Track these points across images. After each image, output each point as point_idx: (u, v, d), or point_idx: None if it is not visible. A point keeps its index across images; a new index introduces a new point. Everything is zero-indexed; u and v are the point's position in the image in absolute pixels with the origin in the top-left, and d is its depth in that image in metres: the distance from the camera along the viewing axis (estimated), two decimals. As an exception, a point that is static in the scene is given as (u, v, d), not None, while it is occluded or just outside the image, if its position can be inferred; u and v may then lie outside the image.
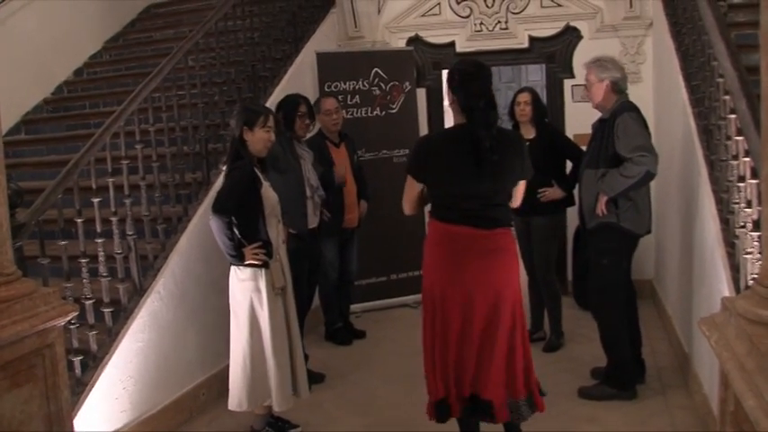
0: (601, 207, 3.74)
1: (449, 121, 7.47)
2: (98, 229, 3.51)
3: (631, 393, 3.87)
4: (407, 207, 3.17)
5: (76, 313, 2.79)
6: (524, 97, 4.66)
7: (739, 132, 2.90)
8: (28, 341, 2.48)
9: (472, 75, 2.97)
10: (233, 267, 3.49)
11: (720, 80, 3.25)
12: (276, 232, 3.50)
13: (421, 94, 6.25)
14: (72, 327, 3.20)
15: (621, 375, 3.87)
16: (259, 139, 3.43)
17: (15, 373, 2.45)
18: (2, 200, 2.52)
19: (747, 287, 2.64)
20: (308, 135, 4.72)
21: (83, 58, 6.56)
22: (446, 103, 6.77)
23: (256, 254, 3.39)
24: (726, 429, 1.98)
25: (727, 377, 1.88)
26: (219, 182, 4.28)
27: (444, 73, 6.58)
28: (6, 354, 2.40)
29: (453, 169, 2.95)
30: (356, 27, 6.21)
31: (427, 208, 3.22)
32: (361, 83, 5.83)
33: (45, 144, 5.54)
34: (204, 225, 4.14)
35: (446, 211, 3.02)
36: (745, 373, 1.64)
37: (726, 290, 2.96)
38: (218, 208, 3.39)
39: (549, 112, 5.16)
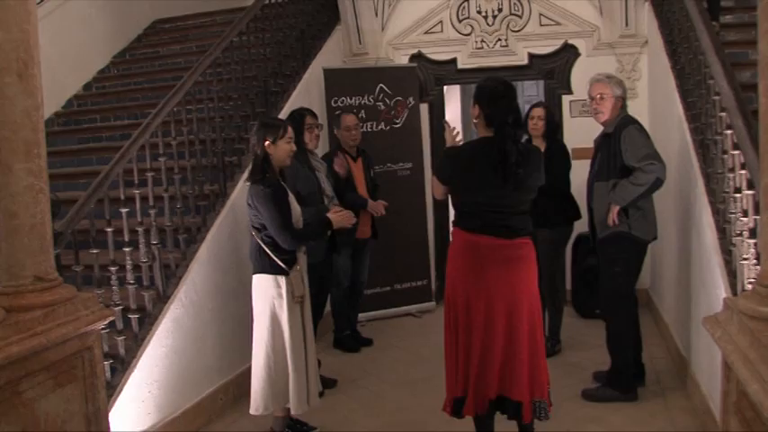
0: (612, 217, 3.87)
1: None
2: (126, 239, 3.64)
3: (633, 395, 4.02)
4: (438, 196, 3.40)
5: (114, 317, 2.93)
6: (538, 112, 4.78)
7: (735, 147, 3.06)
8: (70, 343, 2.61)
9: (501, 93, 3.13)
10: (255, 276, 3.62)
11: (717, 98, 3.41)
12: (298, 242, 3.64)
13: (424, 108, 6.42)
14: (103, 332, 3.31)
15: (624, 378, 4.03)
16: (282, 150, 3.57)
17: (59, 374, 2.58)
18: (46, 210, 2.67)
19: (744, 290, 2.83)
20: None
21: (91, 73, 6.68)
22: (448, 116, 7.00)
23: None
24: (728, 418, 2.16)
25: (729, 370, 2.07)
26: (236, 193, 4.44)
27: (446, 89, 6.81)
28: (52, 355, 2.53)
29: (480, 180, 3.10)
30: (361, 44, 6.38)
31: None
32: (366, 98, 5.98)
33: (59, 157, 5.65)
34: (221, 235, 4.30)
35: (470, 219, 3.17)
36: (749, 363, 1.82)
37: (723, 294, 3.09)
38: (288, 236, 3.51)
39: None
